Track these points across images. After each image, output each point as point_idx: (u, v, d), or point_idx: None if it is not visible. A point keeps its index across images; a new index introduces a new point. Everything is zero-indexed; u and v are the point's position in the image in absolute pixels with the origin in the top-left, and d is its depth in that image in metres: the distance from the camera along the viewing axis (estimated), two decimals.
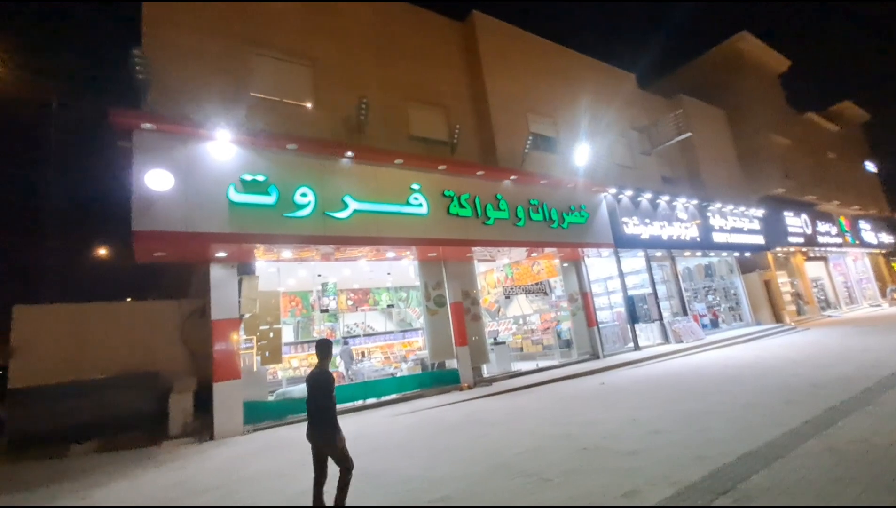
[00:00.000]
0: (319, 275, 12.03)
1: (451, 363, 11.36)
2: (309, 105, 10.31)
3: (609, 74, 17.33)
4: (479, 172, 11.25)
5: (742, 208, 18.85)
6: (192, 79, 8.98)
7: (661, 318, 15.68)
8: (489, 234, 11.05)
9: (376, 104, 11.24)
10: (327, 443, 3.73)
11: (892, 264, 37.74)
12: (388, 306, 17.84)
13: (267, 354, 8.96)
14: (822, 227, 24.78)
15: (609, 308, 16.16)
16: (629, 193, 14.25)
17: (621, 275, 15.16)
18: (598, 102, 15.93)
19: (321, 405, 3.79)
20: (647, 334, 15.84)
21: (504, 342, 13.45)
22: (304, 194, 8.54)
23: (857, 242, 27.98)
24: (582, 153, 13.80)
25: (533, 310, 16.87)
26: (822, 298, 26.45)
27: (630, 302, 15.01)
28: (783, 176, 22.72)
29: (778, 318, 20.24)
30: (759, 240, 19.58)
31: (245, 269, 9.08)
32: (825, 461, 3.81)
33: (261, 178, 8.18)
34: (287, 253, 9.21)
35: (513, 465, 4.75)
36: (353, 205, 9.07)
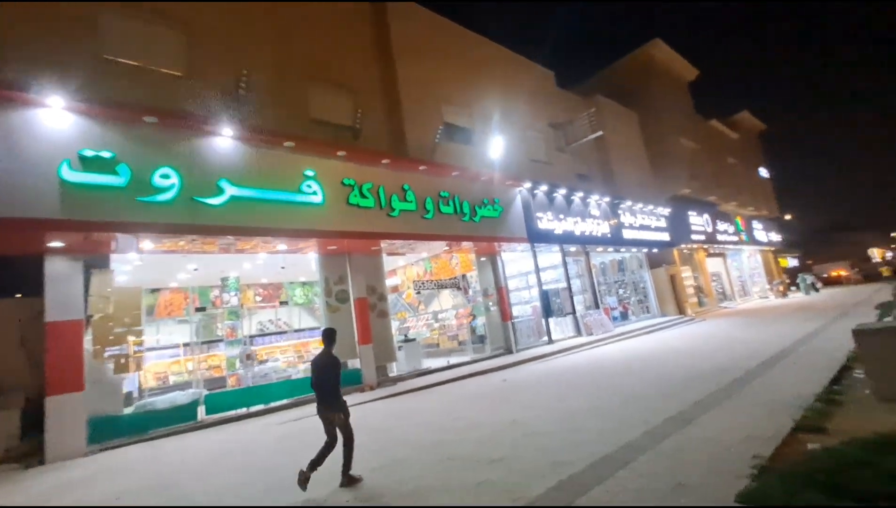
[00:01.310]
0: (196, 268, 10.76)
1: (355, 363, 10.69)
2: (179, 74, 9.02)
3: (528, 70, 17.37)
4: (385, 161, 10.58)
5: (651, 207, 19.84)
6: (34, 37, 7.46)
7: (573, 311, 16.03)
8: (394, 226, 10.45)
9: (270, 81, 10.17)
10: (335, 414, 4.38)
11: (780, 261, 42.36)
12: (297, 303, 16.78)
13: (122, 361, 7.73)
14: (722, 226, 26.98)
15: (526, 303, 16.26)
16: (544, 188, 14.31)
17: (537, 270, 15.27)
18: (516, 96, 15.87)
19: (332, 383, 4.44)
20: (562, 327, 16.13)
21: (414, 339, 12.98)
22: (165, 176, 7.39)
23: (751, 240, 30.87)
24: (497, 146, 13.61)
25: (451, 305, 16.60)
26: (720, 291, 28.90)
27: (545, 296, 15.16)
28: (689, 177, 24.35)
29: (681, 310, 21.67)
30: (666, 237, 20.75)
31: (97, 262, 7.77)
32: (670, 465, 3.65)
33: (107, 154, 6.92)
34: (149, 244, 7.98)
35: (352, 488, 4.19)
36: (231, 190, 8.04)
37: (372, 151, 11.06)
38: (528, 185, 13.81)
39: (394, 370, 11.65)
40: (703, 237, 24.53)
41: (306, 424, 7.45)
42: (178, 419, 8.04)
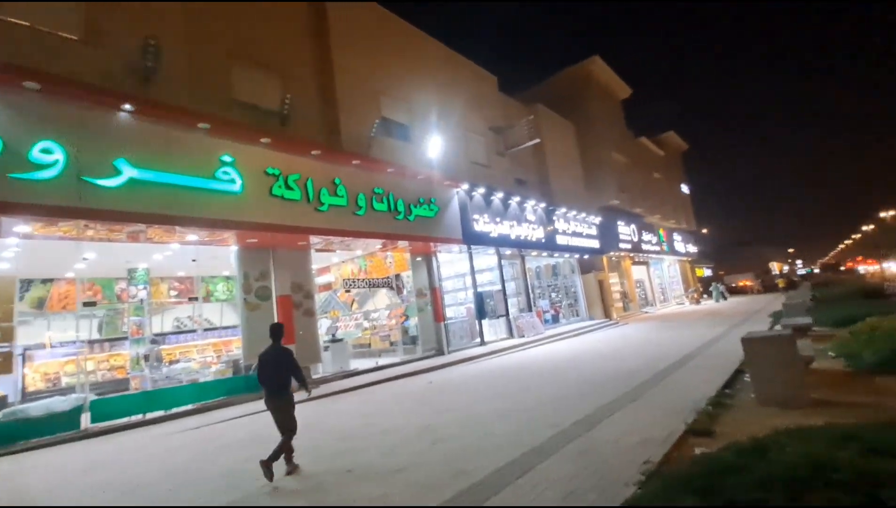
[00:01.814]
0: (86, 258, 9.62)
1: None
2: (75, 38, 7.96)
3: (472, 72, 17.46)
4: (315, 152, 10.06)
5: (583, 215, 20.71)
6: None
7: (507, 314, 16.30)
8: (322, 221, 9.96)
9: (185, 54, 9.29)
10: (279, 408, 4.60)
11: (697, 271, 46.13)
12: (219, 299, 15.69)
13: None
14: (646, 236, 28.83)
15: (461, 304, 16.30)
16: (482, 190, 14.39)
17: (472, 271, 15.33)
18: (457, 96, 15.87)
19: (284, 376, 4.66)
20: (496, 329, 16.35)
21: (342, 340, 12.51)
22: (46, 151, 6.45)
23: (671, 250, 33.31)
24: (435, 145, 13.50)
25: (386, 305, 16.26)
26: (643, 296, 30.90)
27: (479, 298, 15.26)
28: (618, 189, 25.81)
29: (607, 314, 22.85)
30: (596, 244, 21.77)
31: None
32: (568, 470, 3.65)
33: None
34: (26, 228, 6.95)
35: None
36: (129, 172, 7.20)
37: (301, 140, 10.49)
38: (465, 186, 13.82)
39: (319, 371, 11.14)
40: (629, 246, 26.06)
41: (208, 433, 6.83)
42: (56, 428, 7.08)
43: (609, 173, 25.14)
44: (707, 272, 56.90)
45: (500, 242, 15.39)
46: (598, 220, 22.05)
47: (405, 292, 15.19)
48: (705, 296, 35.84)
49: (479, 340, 14.84)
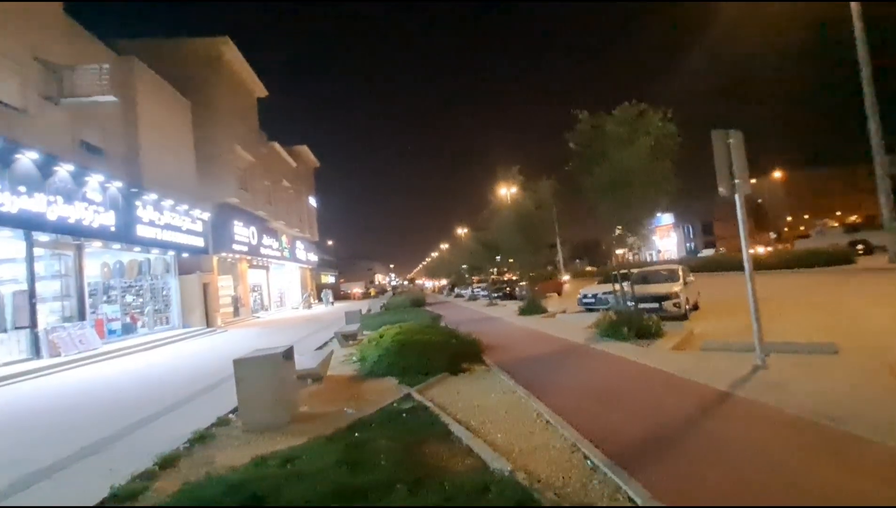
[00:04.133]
0: None
1: None
2: None
3: None
4: None
5: (185, 207, 17.91)
6: None
7: (33, 325, 11.50)
8: None
9: None
10: None
11: (323, 277, 50.22)
12: None
13: None
14: (268, 240, 28.58)
15: None
16: None
17: None
18: None
19: None
20: (8, 347, 11.22)
21: None
22: None
23: (293, 257, 34.59)
24: None
25: None
26: (259, 301, 30.38)
27: None
28: (239, 187, 24.30)
29: (210, 320, 20.60)
30: (200, 242, 19.30)
31: None
32: None
33: None
34: None
35: None
36: None
37: None
38: None
39: None
40: (246, 248, 24.90)
41: None
42: None
43: (230, 169, 23.26)
44: (331, 280, 63.36)
45: (26, 221, 10.76)
46: (206, 215, 19.68)
47: None
48: (315, 301, 39.25)
49: None
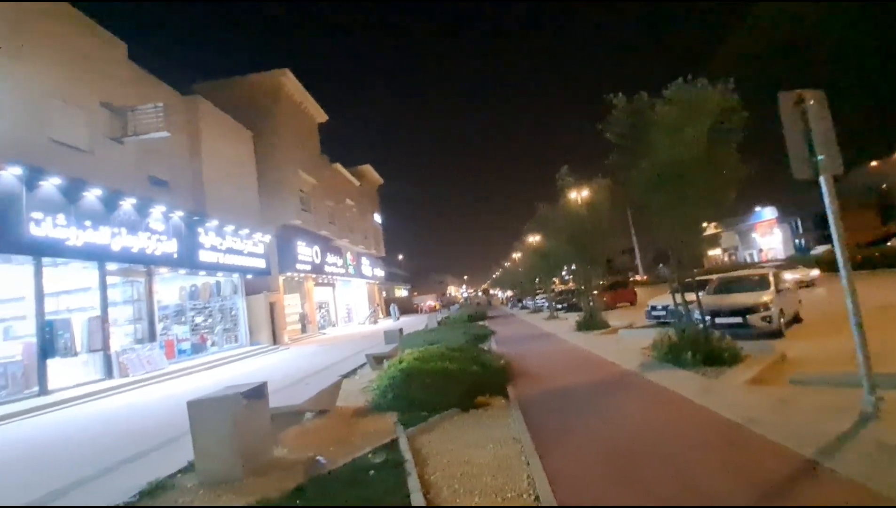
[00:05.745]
0: None
1: None
2: None
3: (86, 29, 13.20)
4: None
5: (247, 230, 18.87)
6: None
7: (106, 348, 12.49)
8: None
9: None
10: None
11: (396, 290, 51.40)
12: None
13: None
14: (332, 258, 29.53)
15: (17, 338, 11.49)
16: (55, 180, 10.47)
17: (39, 292, 10.95)
18: (39, 40, 11.51)
19: None
20: (87, 369, 12.29)
21: None
22: None
23: (358, 273, 35.51)
24: None
25: None
26: (327, 317, 31.41)
27: (47, 330, 10.99)
28: (302, 209, 25.35)
29: (276, 337, 21.49)
30: (262, 264, 20.22)
31: None
32: None
33: None
34: None
35: None
36: None
37: None
38: (17, 169, 9.67)
39: None
40: (309, 267, 25.83)
41: None
42: None
43: (292, 192, 24.36)
44: (404, 293, 64.58)
45: (91, 253, 11.72)
46: (267, 238, 20.61)
47: None
48: (384, 316, 39.84)
49: (37, 388, 10.59)
